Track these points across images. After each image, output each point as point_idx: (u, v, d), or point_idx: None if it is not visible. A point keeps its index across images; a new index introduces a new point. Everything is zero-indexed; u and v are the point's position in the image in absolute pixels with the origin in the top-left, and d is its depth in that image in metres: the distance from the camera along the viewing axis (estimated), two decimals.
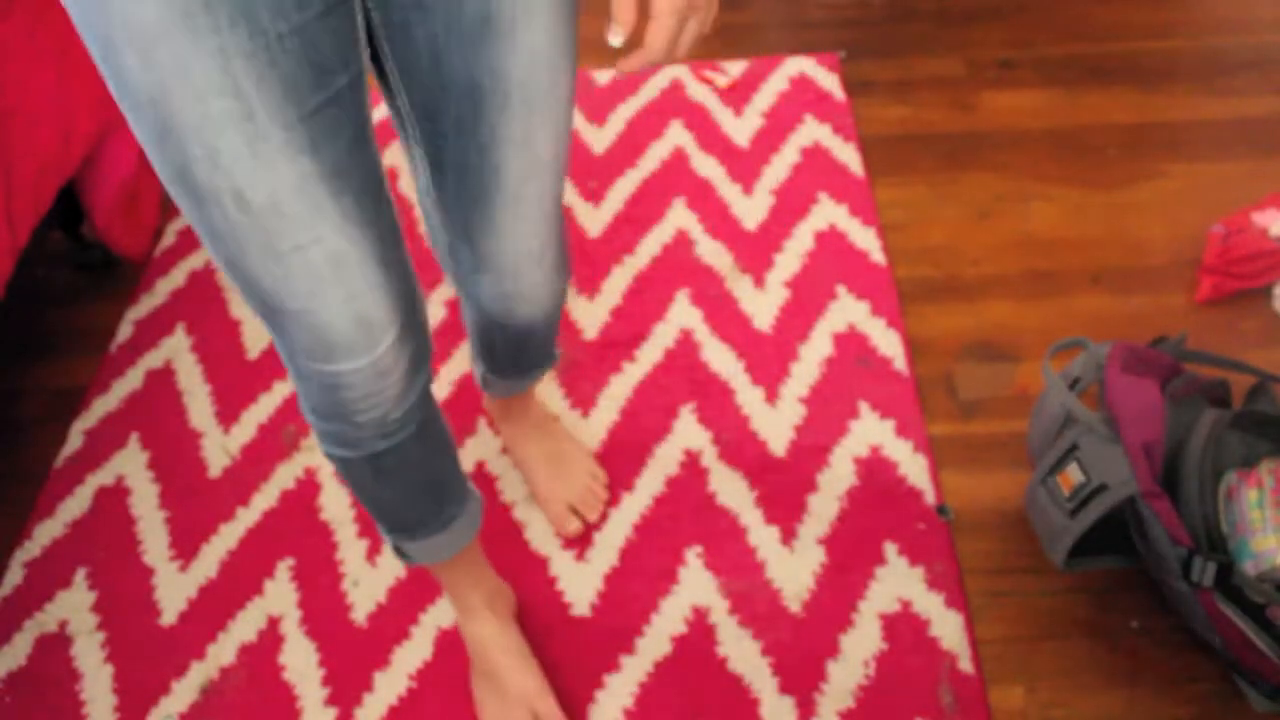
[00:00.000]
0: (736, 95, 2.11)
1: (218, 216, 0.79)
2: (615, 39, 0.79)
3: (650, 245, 1.83)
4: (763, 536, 1.44)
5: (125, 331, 1.79)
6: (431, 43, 0.86)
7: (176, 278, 1.87)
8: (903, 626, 1.34)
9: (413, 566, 1.28)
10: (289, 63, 0.75)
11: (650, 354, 1.67)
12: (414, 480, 1.09)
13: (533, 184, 0.99)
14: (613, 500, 1.49)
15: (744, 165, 1.96)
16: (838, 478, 1.50)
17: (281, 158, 0.77)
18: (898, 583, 1.38)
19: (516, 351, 1.26)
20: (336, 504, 1.52)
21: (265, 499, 1.54)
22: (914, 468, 1.50)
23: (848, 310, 1.70)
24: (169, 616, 1.42)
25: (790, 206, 1.88)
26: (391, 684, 1.34)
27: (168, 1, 0.69)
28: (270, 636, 1.39)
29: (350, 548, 1.47)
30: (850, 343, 1.66)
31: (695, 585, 1.40)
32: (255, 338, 1.76)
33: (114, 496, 1.56)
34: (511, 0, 0.85)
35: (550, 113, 0.94)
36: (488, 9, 0.85)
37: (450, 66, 0.88)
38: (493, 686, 1.28)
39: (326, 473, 1.56)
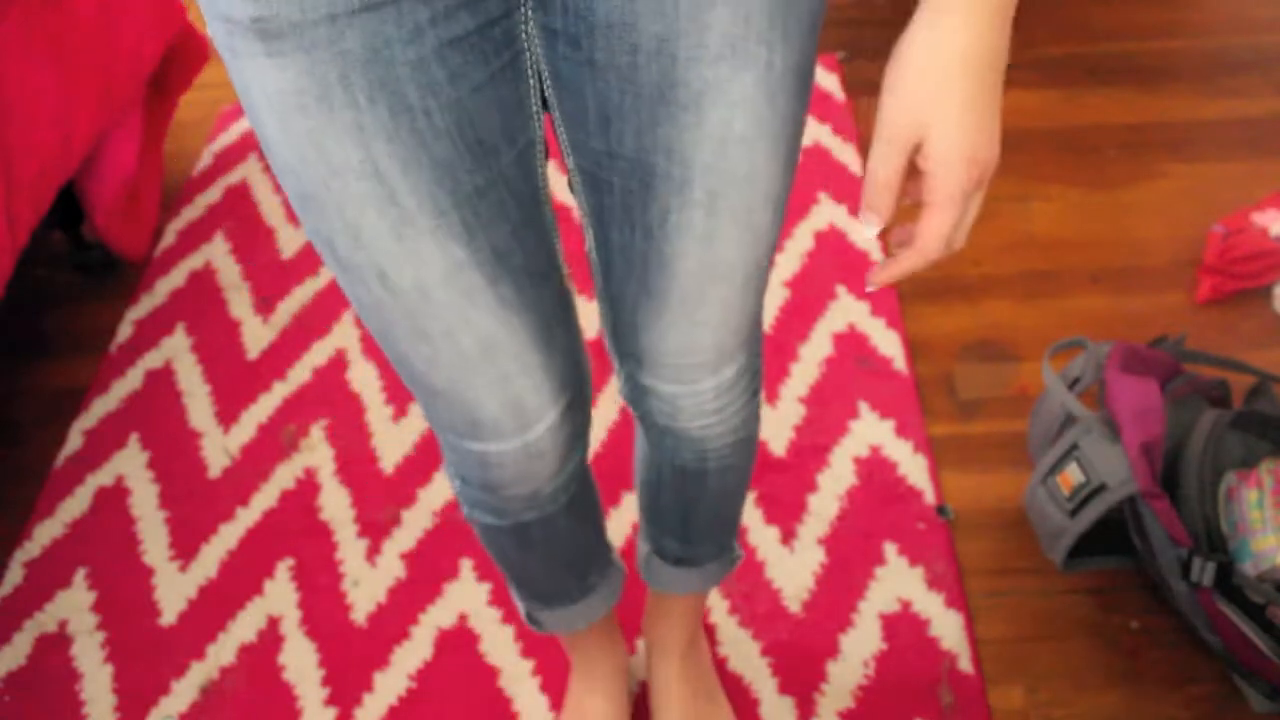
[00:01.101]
0: None
1: (363, 292, 0.73)
2: (870, 229, 0.65)
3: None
4: (763, 536, 1.44)
5: (125, 332, 1.79)
6: (602, 104, 0.69)
7: (176, 278, 1.87)
8: (903, 626, 1.34)
9: (542, 633, 1.18)
10: (441, 144, 0.66)
11: None
12: (559, 552, 1.01)
13: (716, 289, 0.79)
14: (614, 499, 1.49)
15: None
16: (838, 478, 1.50)
17: (430, 244, 0.69)
18: (898, 583, 1.38)
19: (685, 511, 1.05)
20: (336, 504, 1.52)
21: (265, 499, 1.54)
22: (914, 468, 1.50)
23: (848, 310, 1.70)
24: (169, 616, 1.42)
25: (790, 206, 1.88)
26: (391, 684, 1.34)
27: (303, 72, 0.62)
28: (270, 636, 1.39)
29: (350, 548, 1.47)
30: (850, 343, 1.66)
31: None
32: (255, 338, 1.76)
33: (114, 497, 1.56)
34: (700, 69, 0.66)
35: (743, 210, 0.74)
36: (669, 77, 0.67)
37: (621, 136, 0.70)
38: None
39: (326, 473, 1.56)
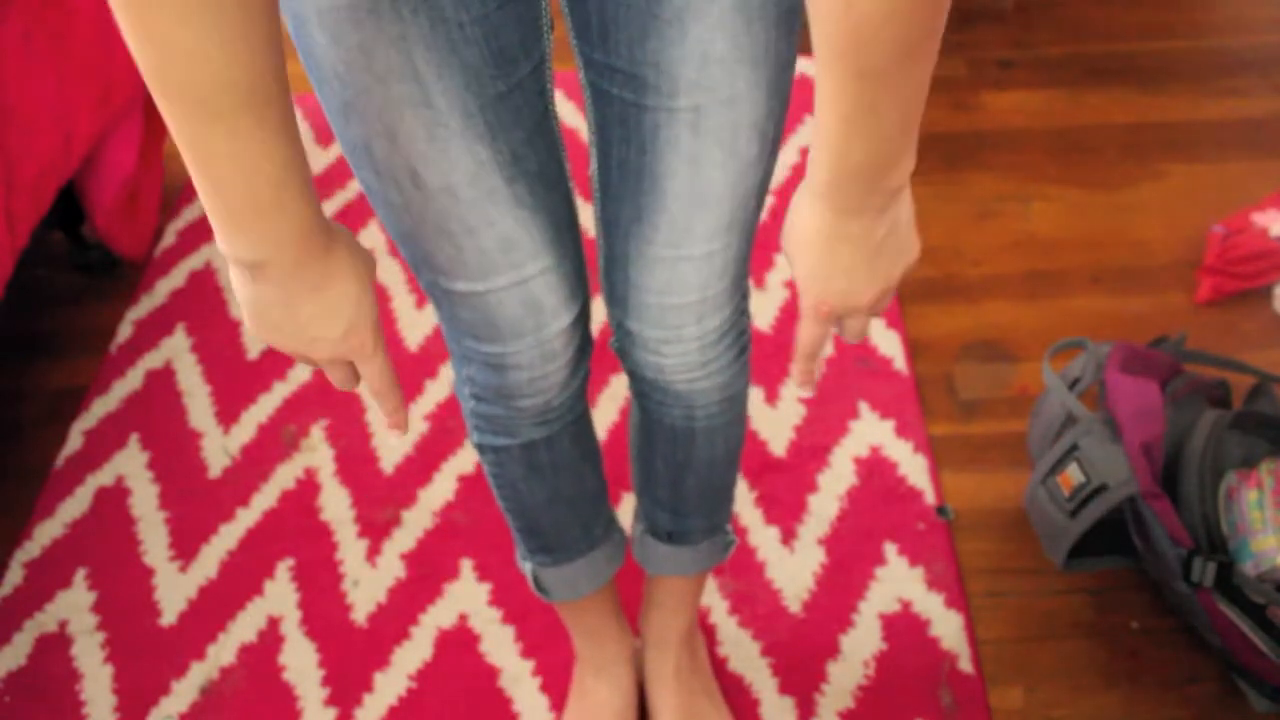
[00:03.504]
0: None
1: (394, 192, 0.80)
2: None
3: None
4: (763, 536, 1.44)
5: (125, 332, 1.79)
6: (601, 16, 0.77)
7: (176, 278, 1.87)
8: (903, 627, 1.34)
9: (549, 603, 1.20)
10: (470, 52, 0.74)
11: None
12: (564, 484, 1.06)
13: (703, 218, 0.84)
14: (614, 499, 1.49)
15: None
16: (838, 478, 1.50)
17: (458, 144, 0.77)
18: (898, 583, 1.38)
19: (675, 476, 1.08)
20: (336, 504, 1.52)
21: (265, 499, 1.54)
22: (914, 468, 1.50)
23: None
24: (169, 617, 1.42)
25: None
26: (391, 684, 1.34)
27: None
28: (270, 637, 1.39)
29: (350, 548, 1.47)
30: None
31: None
32: (255, 337, 1.76)
33: (114, 497, 1.56)
34: None
35: (727, 132, 0.79)
36: None
37: (617, 47, 0.77)
38: None
39: (327, 473, 1.56)
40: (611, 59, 0.78)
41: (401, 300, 1.79)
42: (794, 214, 0.73)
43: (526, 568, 1.15)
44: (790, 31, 0.78)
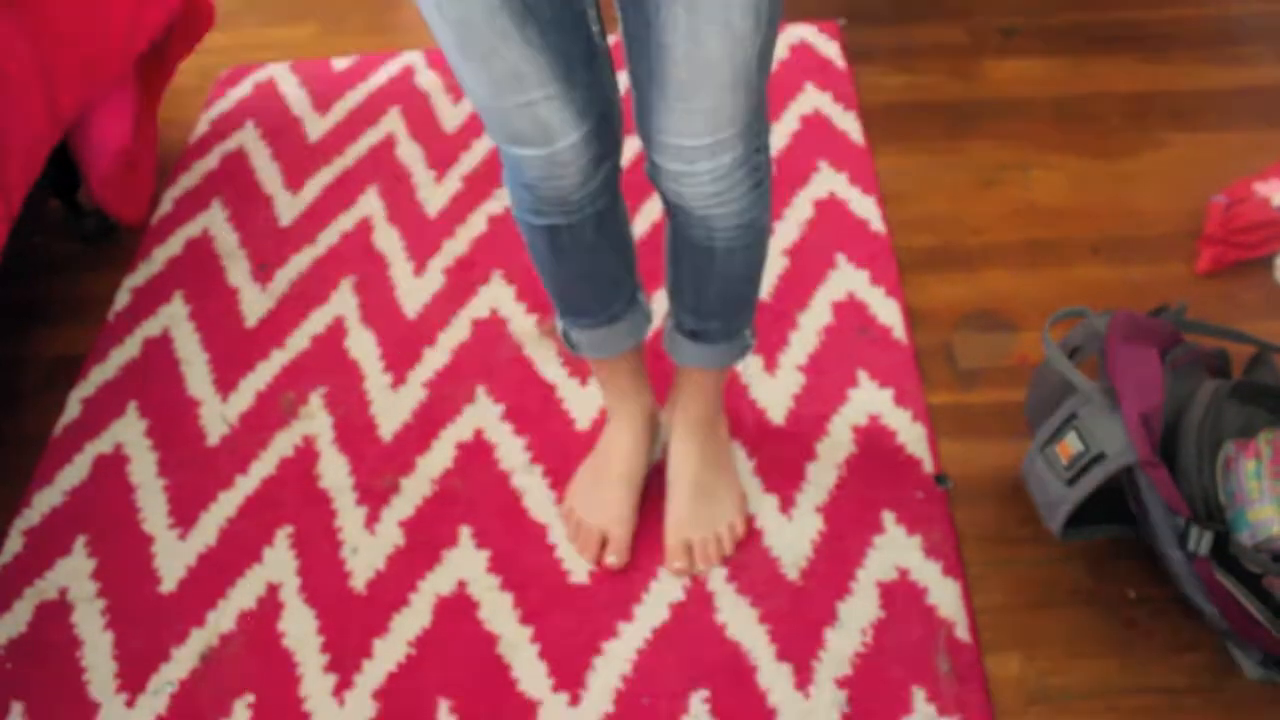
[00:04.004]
0: None
1: (430, 16, 0.97)
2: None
3: (650, 211, 1.82)
4: (761, 505, 1.44)
5: (123, 300, 1.78)
6: None
7: (174, 246, 1.87)
8: (900, 595, 1.35)
9: (579, 356, 1.37)
10: None
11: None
12: (583, 265, 1.23)
13: (705, 81, 0.98)
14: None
15: None
16: (836, 446, 1.50)
17: None
18: (896, 551, 1.38)
19: (698, 285, 1.24)
20: (335, 471, 1.52)
21: (264, 467, 1.54)
22: (912, 436, 1.50)
23: (847, 279, 1.70)
24: (169, 584, 1.43)
25: (790, 175, 1.87)
26: (390, 651, 1.34)
27: None
28: (270, 604, 1.40)
29: (349, 515, 1.48)
30: (850, 311, 1.66)
31: None
32: (253, 305, 1.75)
33: (112, 465, 1.56)
34: None
35: (720, 12, 0.92)
36: None
37: None
38: (590, 489, 1.41)
39: (325, 441, 1.56)
40: None
41: (400, 268, 1.79)
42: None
43: (560, 326, 1.34)
44: None
